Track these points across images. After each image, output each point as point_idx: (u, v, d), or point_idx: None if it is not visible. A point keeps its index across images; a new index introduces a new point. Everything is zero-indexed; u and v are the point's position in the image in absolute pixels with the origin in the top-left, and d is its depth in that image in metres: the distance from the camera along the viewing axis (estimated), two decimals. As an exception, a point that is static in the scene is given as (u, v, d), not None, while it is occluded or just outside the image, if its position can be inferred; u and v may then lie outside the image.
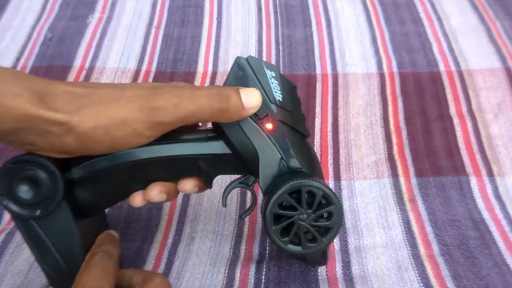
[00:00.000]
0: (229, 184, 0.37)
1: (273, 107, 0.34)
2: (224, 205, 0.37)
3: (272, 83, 0.35)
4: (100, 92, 0.30)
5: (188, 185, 0.36)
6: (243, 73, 0.34)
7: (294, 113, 0.36)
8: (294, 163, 0.35)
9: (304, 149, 0.36)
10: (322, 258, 0.38)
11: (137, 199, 0.36)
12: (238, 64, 0.34)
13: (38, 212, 0.32)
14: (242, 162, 0.35)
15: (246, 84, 0.34)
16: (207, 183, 0.36)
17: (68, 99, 0.29)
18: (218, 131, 0.35)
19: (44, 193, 0.32)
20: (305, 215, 0.34)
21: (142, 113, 0.30)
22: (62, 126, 0.29)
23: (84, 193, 0.34)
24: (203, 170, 0.35)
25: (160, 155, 0.34)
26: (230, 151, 0.35)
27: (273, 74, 0.35)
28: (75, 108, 0.29)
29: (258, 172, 0.35)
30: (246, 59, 0.35)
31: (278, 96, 0.35)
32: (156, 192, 0.35)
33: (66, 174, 0.33)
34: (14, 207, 0.32)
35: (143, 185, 0.36)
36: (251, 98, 0.33)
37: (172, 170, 0.35)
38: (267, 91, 0.34)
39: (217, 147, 0.35)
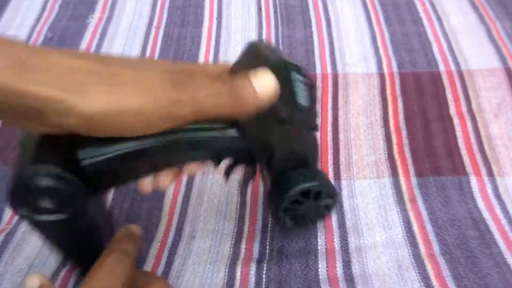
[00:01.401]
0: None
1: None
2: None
3: None
4: (111, 69, 0.26)
5: (194, 168, 0.36)
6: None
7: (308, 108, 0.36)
8: (303, 155, 0.37)
9: (312, 141, 0.38)
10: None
11: (146, 186, 0.35)
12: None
13: (65, 216, 0.31)
14: (253, 151, 0.36)
15: None
16: (214, 165, 0.37)
17: (66, 73, 0.25)
18: (234, 123, 0.34)
19: (66, 201, 0.30)
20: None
21: (160, 104, 0.27)
22: (57, 105, 0.25)
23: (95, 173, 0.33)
24: (214, 152, 0.35)
25: (174, 139, 0.32)
26: (244, 141, 0.35)
27: None
28: (75, 85, 0.25)
29: (267, 161, 0.36)
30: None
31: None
32: (168, 181, 0.35)
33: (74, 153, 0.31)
34: (42, 218, 0.31)
35: (153, 168, 0.35)
36: (264, 85, 0.30)
37: (184, 153, 0.34)
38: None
39: (233, 133, 0.34)
